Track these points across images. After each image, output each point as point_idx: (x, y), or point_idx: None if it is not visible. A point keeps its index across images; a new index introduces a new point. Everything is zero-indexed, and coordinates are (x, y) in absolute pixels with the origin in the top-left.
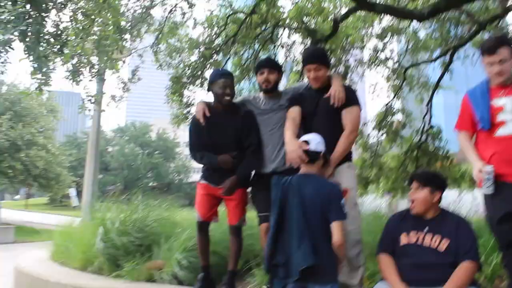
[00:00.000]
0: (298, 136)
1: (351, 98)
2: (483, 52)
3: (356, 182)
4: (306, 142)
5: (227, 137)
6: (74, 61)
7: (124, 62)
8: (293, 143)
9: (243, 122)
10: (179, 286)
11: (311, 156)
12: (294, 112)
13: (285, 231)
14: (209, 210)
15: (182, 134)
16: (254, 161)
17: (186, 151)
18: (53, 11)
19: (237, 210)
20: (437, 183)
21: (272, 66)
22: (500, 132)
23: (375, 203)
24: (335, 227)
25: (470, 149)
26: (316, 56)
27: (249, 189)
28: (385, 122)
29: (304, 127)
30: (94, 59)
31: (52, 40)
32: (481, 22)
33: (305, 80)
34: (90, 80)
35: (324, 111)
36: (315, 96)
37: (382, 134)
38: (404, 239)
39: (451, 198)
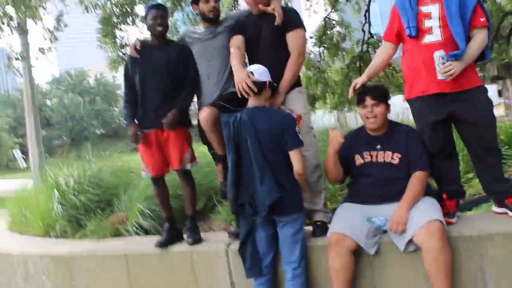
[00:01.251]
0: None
1: (295, 21)
2: None
3: (308, 105)
4: (251, 73)
5: (161, 71)
6: None
7: (45, 8)
8: (242, 72)
9: (178, 55)
10: (146, 236)
11: (258, 86)
12: (238, 41)
13: (244, 168)
14: (158, 162)
15: (121, 74)
16: (192, 93)
17: None
18: None
19: (176, 153)
20: (388, 98)
21: None
22: (428, 39)
23: (324, 119)
24: (294, 156)
25: (373, 63)
26: None
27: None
28: (325, 37)
29: (249, 56)
30: (11, 10)
31: None
32: None
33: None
34: (10, 34)
35: (268, 37)
36: (257, 22)
37: (323, 49)
38: (358, 160)
39: (398, 106)
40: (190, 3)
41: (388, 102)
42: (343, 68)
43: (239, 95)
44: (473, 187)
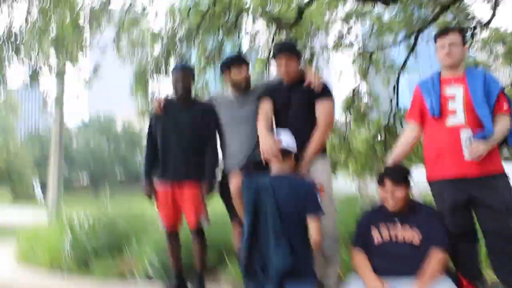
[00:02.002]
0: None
1: (325, 91)
2: (436, 37)
3: (331, 176)
4: (278, 139)
5: (183, 128)
6: (32, 61)
7: (83, 54)
8: (269, 138)
9: (203, 114)
10: (150, 282)
11: (284, 153)
12: (266, 107)
13: (260, 233)
14: (174, 218)
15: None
16: (216, 159)
17: None
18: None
19: (192, 213)
20: (409, 178)
21: (246, 62)
22: (451, 121)
23: (345, 186)
24: (312, 223)
25: (399, 144)
26: (287, 47)
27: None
28: (352, 106)
29: (277, 121)
30: (53, 61)
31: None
32: (443, 4)
33: (275, 74)
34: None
35: (297, 104)
36: (287, 89)
37: (350, 119)
38: (376, 237)
39: (420, 177)
40: (220, 69)
41: (410, 182)
42: (368, 139)
43: (263, 161)
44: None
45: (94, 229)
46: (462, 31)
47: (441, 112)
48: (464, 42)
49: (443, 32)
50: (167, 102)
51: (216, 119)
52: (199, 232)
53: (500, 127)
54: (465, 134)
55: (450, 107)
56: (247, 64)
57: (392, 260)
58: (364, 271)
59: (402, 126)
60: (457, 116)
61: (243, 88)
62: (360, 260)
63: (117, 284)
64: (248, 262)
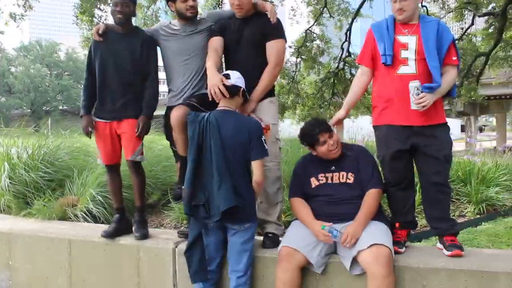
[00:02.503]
0: (218, 70)
1: (277, 30)
2: None
3: (278, 116)
4: (226, 76)
5: (122, 62)
6: None
7: None
8: (216, 76)
9: (142, 46)
10: (94, 224)
11: (231, 91)
12: (217, 43)
13: (204, 169)
14: (112, 151)
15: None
16: (155, 94)
17: None
18: None
19: (130, 143)
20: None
21: None
22: (402, 70)
23: (291, 129)
24: (256, 166)
25: (351, 92)
26: None
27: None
28: (304, 48)
29: (227, 58)
30: None
31: None
32: None
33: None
34: None
35: (248, 42)
36: (239, 25)
37: (300, 60)
38: (314, 183)
39: (365, 128)
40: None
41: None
42: (317, 82)
43: (209, 98)
44: (425, 219)
45: (34, 162)
46: None
47: (393, 61)
48: None
49: None
50: (108, 30)
51: (156, 52)
52: (135, 165)
53: (447, 78)
54: (413, 84)
55: (402, 56)
56: None
57: (330, 201)
58: (305, 217)
59: (351, 72)
60: (408, 65)
61: (189, 18)
62: (300, 206)
63: (60, 225)
64: (191, 198)
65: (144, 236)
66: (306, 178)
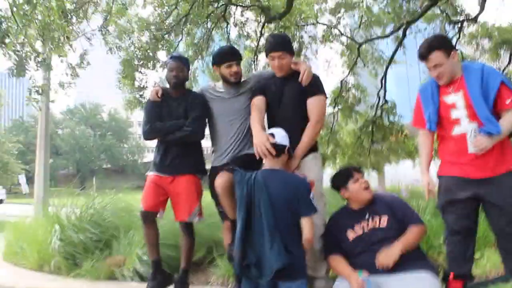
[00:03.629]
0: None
1: (317, 87)
2: (419, 59)
3: (322, 171)
4: (271, 135)
5: (177, 118)
6: (18, 49)
7: (71, 46)
8: (262, 135)
9: (191, 101)
10: (141, 283)
11: (277, 149)
12: (259, 102)
13: (253, 229)
14: (154, 200)
15: (135, 113)
16: (192, 131)
17: (140, 130)
18: None
19: (185, 204)
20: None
21: (239, 57)
22: (456, 130)
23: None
24: (306, 223)
25: (422, 156)
26: (281, 44)
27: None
28: (340, 98)
29: (269, 117)
30: (39, 47)
31: None
32: None
33: (268, 68)
34: (36, 70)
35: (290, 100)
36: (280, 84)
37: (337, 111)
38: (351, 235)
39: (407, 170)
40: (212, 63)
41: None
42: (356, 131)
43: (257, 156)
44: (481, 268)
45: (82, 223)
46: (441, 45)
47: (443, 123)
48: (449, 54)
49: (423, 55)
50: (163, 91)
51: (204, 103)
52: (189, 226)
53: (504, 123)
54: (470, 127)
55: (454, 116)
56: (240, 58)
57: (368, 251)
58: (342, 270)
59: (388, 119)
60: (461, 124)
61: (234, 83)
62: (337, 261)
63: (108, 285)
64: (242, 258)
65: None
66: (341, 233)
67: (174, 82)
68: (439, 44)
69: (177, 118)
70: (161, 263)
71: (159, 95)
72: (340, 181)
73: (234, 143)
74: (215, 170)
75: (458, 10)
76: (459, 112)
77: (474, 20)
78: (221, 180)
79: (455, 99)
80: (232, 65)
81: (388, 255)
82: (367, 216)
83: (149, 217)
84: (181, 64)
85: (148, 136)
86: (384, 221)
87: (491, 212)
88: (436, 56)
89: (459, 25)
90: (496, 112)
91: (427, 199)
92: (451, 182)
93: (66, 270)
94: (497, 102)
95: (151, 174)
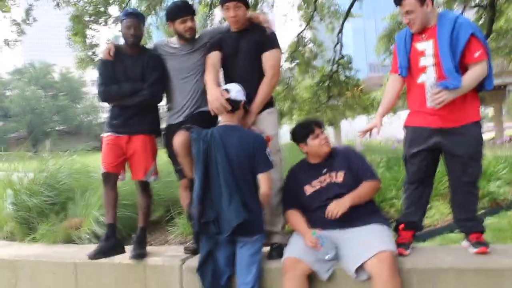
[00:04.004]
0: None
1: (272, 40)
2: (394, 2)
3: (278, 126)
4: (227, 91)
5: (135, 79)
6: None
7: (14, 0)
8: (215, 91)
9: (148, 63)
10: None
11: (233, 105)
12: (214, 58)
13: (211, 186)
14: (114, 160)
15: (88, 72)
16: (149, 95)
17: (94, 90)
18: None
19: (141, 163)
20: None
21: (193, 12)
22: (421, 78)
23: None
24: (263, 179)
25: (384, 99)
26: None
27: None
28: (297, 53)
29: (225, 72)
30: None
31: None
32: None
33: (223, 24)
34: None
35: (245, 54)
36: (235, 38)
37: (294, 65)
38: (309, 190)
39: (361, 124)
40: (166, 19)
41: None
42: (312, 86)
43: (212, 113)
44: (429, 218)
45: (35, 186)
46: None
47: (412, 70)
48: (423, 2)
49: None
50: (117, 49)
51: (161, 66)
52: (145, 185)
53: (469, 75)
54: (429, 81)
55: (421, 64)
56: (194, 13)
57: (324, 206)
58: (298, 226)
59: (345, 73)
60: (427, 73)
61: (188, 39)
62: (294, 217)
63: (65, 249)
64: (201, 215)
65: (140, 255)
66: (299, 187)
67: (132, 41)
68: None
69: (133, 78)
70: (116, 229)
71: (112, 53)
72: (300, 136)
73: (190, 100)
74: (171, 128)
75: None
76: (427, 60)
77: None
78: (179, 139)
79: (425, 46)
80: (187, 20)
81: (338, 205)
82: (324, 171)
83: (111, 179)
84: (138, 21)
85: (103, 100)
86: (340, 176)
87: (449, 161)
88: (410, 2)
89: None
90: (465, 65)
91: (361, 136)
92: (414, 134)
93: (21, 235)
94: (465, 55)
95: (106, 135)
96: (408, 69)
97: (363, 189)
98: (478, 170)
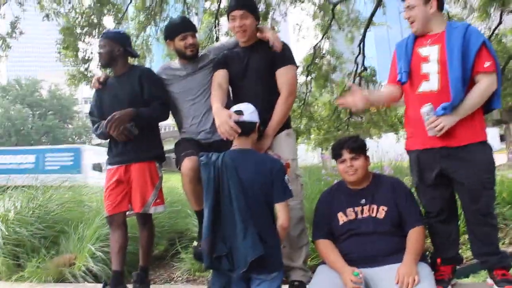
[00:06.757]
0: (227, 104)
1: (286, 55)
2: None
3: (297, 150)
4: (239, 112)
5: (122, 98)
6: None
7: None
8: (222, 113)
9: (140, 78)
10: (96, 284)
11: (246, 127)
12: (220, 77)
13: (223, 217)
14: (114, 199)
15: (80, 89)
16: (160, 112)
17: (86, 109)
18: None
19: (138, 194)
20: (366, 149)
21: (194, 28)
22: (423, 87)
23: (307, 156)
24: (281, 209)
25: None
26: (241, 2)
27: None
28: (313, 66)
29: (233, 90)
30: None
31: None
32: None
33: (230, 39)
34: None
35: (255, 72)
36: (243, 55)
37: (310, 80)
38: (341, 219)
39: (389, 143)
40: (164, 38)
41: (367, 154)
42: (332, 102)
43: (224, 138)
44: (469, 251)
45: (22, 216)
46: None
47: (413, 77)
48: (427, 0)
49: None
50: (106, 77)
51: (156, 79)
52: (145, 217)
53: (475, 90)
54: (424, 109)
55: (423, 70)
56: (194, 30)
57: (355, 240)
58: (334, 261)
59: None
60: (429, 80)
61: (190, 57)
62: (327, 249)
63: None
64: (212, 250)
65: None
66: (334, 213)
67: (102, 62)
68: None
69: (120, 102)
70: (123, 277)
71: (101, 80)
72: (332, 155)
73: (200, 124)
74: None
75: None
76: (430, 66)
77: None
78: (189, 164)
79: (429, 51)
80: (187, 36)
81: (409, 273)
82: (363, 201)
83: (115, 220)
84: (108, 40)
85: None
86: (382, 212)
87: (458, 190)
88: None
89: None
90: (472, 77)
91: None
92: (418, 159)
93: (8, 273)
94: (475, 64)
95: (107, 168)
96: (408, 76)
97: (417, 244)
98: (491, 199)
